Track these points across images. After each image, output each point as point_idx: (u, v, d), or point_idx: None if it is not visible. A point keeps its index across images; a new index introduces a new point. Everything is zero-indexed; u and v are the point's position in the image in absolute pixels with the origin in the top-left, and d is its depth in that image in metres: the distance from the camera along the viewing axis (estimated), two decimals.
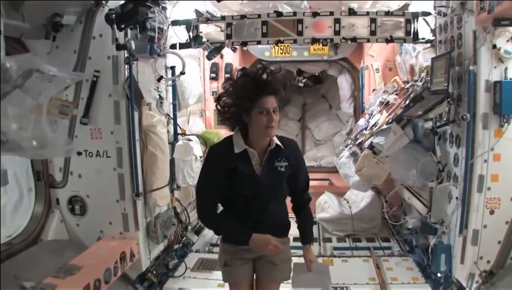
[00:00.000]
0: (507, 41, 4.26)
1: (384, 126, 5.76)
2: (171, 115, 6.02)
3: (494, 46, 4.26)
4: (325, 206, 7.75)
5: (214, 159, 3.52)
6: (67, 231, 5.15)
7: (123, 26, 4.45)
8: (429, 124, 4.93)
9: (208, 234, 7.27)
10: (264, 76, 3.34)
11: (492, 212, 4.51)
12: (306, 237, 3.84)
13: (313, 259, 3.76)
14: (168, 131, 5.82)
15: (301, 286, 3.60)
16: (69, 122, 4.72)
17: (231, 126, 3.54)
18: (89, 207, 5.06)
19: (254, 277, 3.85)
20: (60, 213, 5.09)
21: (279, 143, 3.50)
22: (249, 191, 3.45)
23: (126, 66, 4.74)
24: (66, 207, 5.09)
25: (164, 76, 5.68)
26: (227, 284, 3.86)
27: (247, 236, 3.40)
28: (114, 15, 4.37)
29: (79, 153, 4.91)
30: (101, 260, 4.40)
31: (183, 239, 6.35)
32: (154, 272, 5.37)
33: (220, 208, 3.68)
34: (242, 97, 3.32)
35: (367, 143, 6.16)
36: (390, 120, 5.72)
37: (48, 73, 3.35)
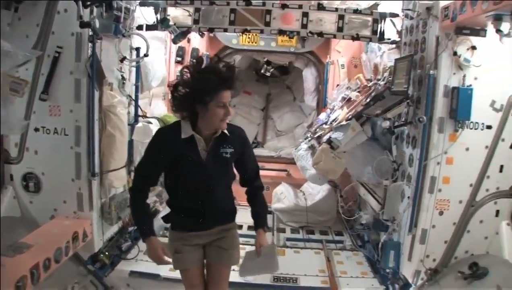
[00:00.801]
0: (467, 49, 4.41)
1: (344, 122, 5.84)
2: (133, 97, 5.94)
3: (455, 53, 4.40)
4: (281, 196, 7.83)
5: (159, 142, 3.56)
6: (20, 208, 5.04)
7: (88, 3, 4.35)
8: (386, 124, 5.02)
9: None
10: (225, 71, 3.41)
11: (441, 213, 4.67)
12: (258, 222, 3.87)
13: (263, 243, 3.76)
14: (128, 113, 5.75)
15: (247, 274, 3.63)
16: (27, 100, 4.61)
17: (183, 114, 3.55)
18: (43, 185, 4.96)
19: (205, 263, 3.89)
20: (13, 190, 4.99)
21: (225, 130, 3.57)
22: (194, 176, 3.52)
23: (90, 44, 4.64)
24: (20, 184, 4.99)
25: (128, 57, 5.57)
26: None
27: (146, 235, 3.51)
28: None
29: (36, 130, 4.82)
30: (53, 239, 4.35)
31: None
32: (107, 253, 5.32)
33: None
34: (203, 90, 3.33)
35: (325, 138, 6.23)
36: (350, 117, 5.80)
37: (2, 49, 3.23)
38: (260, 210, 3.92)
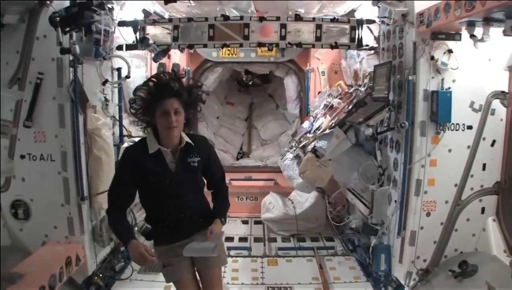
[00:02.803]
0: (444, 53, 4.51)
1: (327, 130, 5.89)
2: (117, 117, 5.96)
3: (432, 58, 4.50)
4: (270, 206, 7.86)
5: (126, 161, 3.62)
6: (10, 237, 5.01)
7: (67, 29, 4.35)
8: (369, 131, 5.10)
9: None
10: (164, 79, 3.55)
11: (428, 214, 4.76)
12: (217, 212, 3.93)
13: (215, 230, 3.76)
14: (113, 133, 5.76)
15: (190, 253, 3.67)
16: (9, 140, 4.61)
17: (143, 128, 3.73)
18: (33, 212, 4.93)
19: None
20: (1, 218, 4.95)
21: (189, 140, 3.68)
22: (166, 189, 3.61)
23: (71, 68, 4.65)
24: (9, 212, 4.95)
25: (110, 79, 5.59)
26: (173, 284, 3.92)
27: (126, 239, 3.49)
28: (58, 18, 4.27)
29: (22, 157, 4.80)
30: (46, 266, 4.34)
31: None
32: (101, 275, 5.31)
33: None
34: (147, 99, 3.50)
35: (310, 147, 6.28)
36: (333, 125, 5.85)
37: None
38: (220, 204, 4.02)
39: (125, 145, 5.75)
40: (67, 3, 4.47)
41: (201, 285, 3.90)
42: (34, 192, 4.91)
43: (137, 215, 6.49)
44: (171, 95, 3.47)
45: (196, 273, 3.93)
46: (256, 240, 7.43)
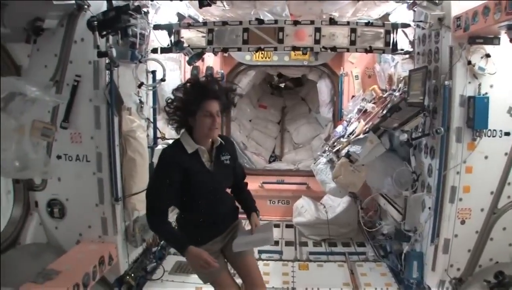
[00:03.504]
0: (482, 58, 4.42)
1: (361, 135, 5.85)
2: (151, 119, 6.04)
3: (469, 62, 4.41)
4: (302, 210, 7.83)
5: (170, 161, 3.62)
6: (46, 234, 5.11)
7: (104, 33, 4.43)
8: (404, 137, 5.03)
9: None
10: (208, 81, 3.68)
11: (463, 222, 4.67)
12: (251, 208, 4.09)
13: (258, 222, 3.99)
14: (148, 135, 5.84)
15: (241, 248, 3.72)
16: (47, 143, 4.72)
17: (176, 128, 3.78)
18: (68, 211, 5.03)
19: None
20: (38, 216, 5.06)
21: (221, 140, 3.82)
22: (206, 187, 3.68)
23: (107, 71, 4.73)
24: (45, 210, 5.06)
25: (145, 82, 5.69)
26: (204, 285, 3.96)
27: (183, 246, 3.50)
28: (96, 22, 4.35)
29: (58, 157, 4.89)
30: (80, 264, 4.41)
31: (161, 242, 6.35)
32: (132, 275, 5.38)
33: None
34: (188, 101, 3.58)
35: (344, 151, 6.24)
36: (367, 129, 5.80)
37: (30, 96, 3.33)
38: (251, 199, 4.18)
39: (159, 147, 5.84)
40: (104, 7, 4.57)
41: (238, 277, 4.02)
42: (69, 191, 5.00)
43: (169, 216, 6.55)
44: (214, 97, 3.59)
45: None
46: (287, 244, 7.40)
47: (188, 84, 3.67)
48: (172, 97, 3.72)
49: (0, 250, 4.46)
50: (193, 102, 3.56)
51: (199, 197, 3.68)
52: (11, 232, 4.77)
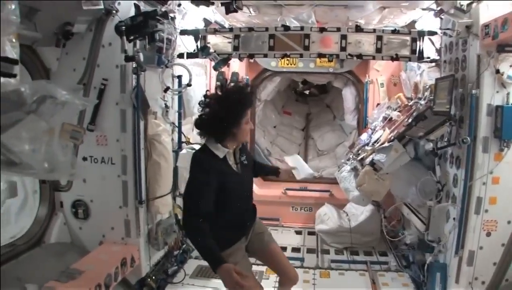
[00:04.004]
0: (511, 66, 4.33)
1: (386, 144, 5.80)
2: (176, 124, 6.11)
3: (498, 71, 4.33)
4: (325, 218, 7.77)
5: (206, 165, 3.67)
6: (70, 234, 5.21)
7: (132, 37, 4.50)
8: (429, 146, 4.97)
9: None
10: (246, 91, 3.82)
11: (488, 234, 4.58)
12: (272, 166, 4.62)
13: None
14: (172, 139, 5.89)
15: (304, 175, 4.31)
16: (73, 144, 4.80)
17: (215, 136, 3.78)
18: (92, 212, 5.12)
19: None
20: (63, 216, 5.16)
21: None
22: (237, 189, 3.83)
23: (134, 75, 4.81)
24: (70, 211, 5.15)
25: (171, 87, 5.77)
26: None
27: (217, 264, 3.37)
28: (123, 27, 4.43)
29: (84, 159, 4.97)
30: (103, 265, 4.48)
31: (183, 245, 6.40)
32: (154, 277, 5.42)
33: None
34: (237, 111, 3.68)
35: (368, 160, 6.19)
36: (392, 138, 5.75)
37: (60, 99, 3.41)
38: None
39: (184, 151, 5.88)
40: (132, 13, 4.65)
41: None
42: (94, 193, 5.09)
43: None
44: (251, 105, 3.85)
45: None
46: (309, 251, 7.37)
47: (233, 94, 3.73)
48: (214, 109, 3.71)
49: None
50: (240, 111, 3.70)
51: (232, 199, 3.78)
52: (37, 231, 4.87)
